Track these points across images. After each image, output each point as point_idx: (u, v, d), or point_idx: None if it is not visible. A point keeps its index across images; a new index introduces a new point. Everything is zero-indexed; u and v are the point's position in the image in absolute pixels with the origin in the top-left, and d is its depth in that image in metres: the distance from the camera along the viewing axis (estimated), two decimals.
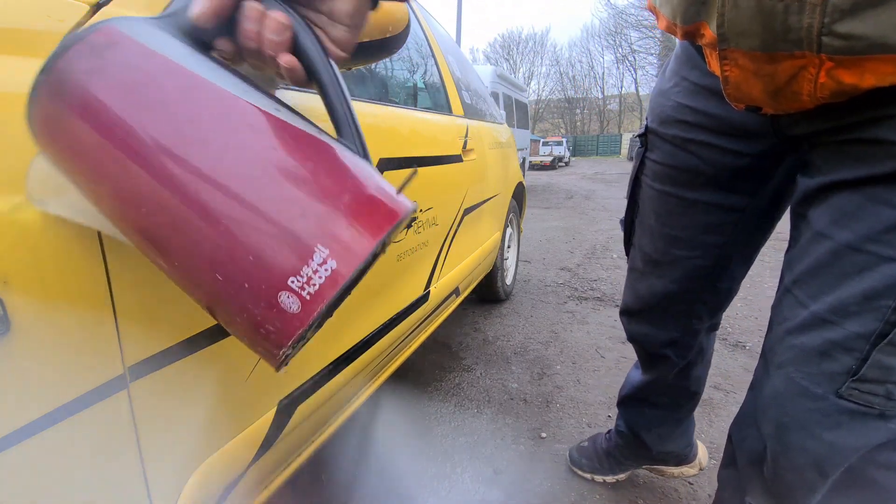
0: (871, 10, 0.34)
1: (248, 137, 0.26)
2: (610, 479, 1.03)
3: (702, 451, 1.00)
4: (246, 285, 0.25)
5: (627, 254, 0.82)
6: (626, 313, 0.85)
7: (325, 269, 0.25)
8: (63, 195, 0.26)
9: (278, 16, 0.29)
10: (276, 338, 0.26)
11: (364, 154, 0.31)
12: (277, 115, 0.27)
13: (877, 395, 0.41)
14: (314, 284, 0.25)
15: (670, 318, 0.78)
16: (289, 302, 0.25)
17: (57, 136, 0.26)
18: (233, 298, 0.26)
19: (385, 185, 0.29)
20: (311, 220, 0.25)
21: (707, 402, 1.32)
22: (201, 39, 0.28)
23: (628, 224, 0.79)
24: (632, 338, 0.86)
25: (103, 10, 0.42)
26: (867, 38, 0.35)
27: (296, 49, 0.29)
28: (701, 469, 1.00)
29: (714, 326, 0.83)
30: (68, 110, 0.25)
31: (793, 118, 0.49)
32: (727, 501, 0.62)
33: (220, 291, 0.26)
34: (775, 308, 0.51)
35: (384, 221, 0.27)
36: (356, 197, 0.27)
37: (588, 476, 1.05)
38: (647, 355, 0.86)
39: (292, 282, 0.25)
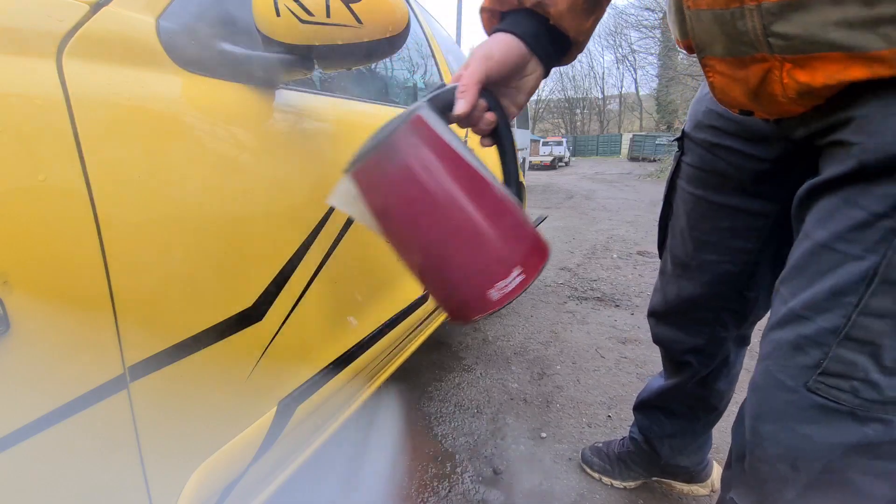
0: (796, 13, 0.37)
1: (486, 197, 0.42)
2: (618, 483, 1.02)
3: (716, 473, 0.98)
4: (471, 281, 0.41)
5: (661, 256, 0.82)
6: (654, 315, 0.85)
7: (516, 280, 0.41)
8: (352, 205, 0.43)
9: (490, 116, 0.47)
10: (476, 312, 0.42)
11: (521, 202, 0.45)
12: (494, 182, 0.43)
13: (843, 390, 0.43)
14: (508, 288, 0.40)
15: (696, 324, 0.78)
16: (492, 294, 0.40)
17: (379, 178, 0.41)
18: (460, 286, 0.42)
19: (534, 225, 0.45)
20: (516, 252, 0.42)
21: None
22: (446, 113, 0.45)
23: (662, 227, 0.80)
24: (657, 340, 0.87)
25: (103, 9, 0.42)
26: (800, 37, 0.38)
27: (495, 128, 0.48)
28: (713, 491, 0.96)
29: (743, 340, 0.81)
30: (395, 165, 0.40)
31: (792, 122, 0.50)
32: (726, 502, 0.62)
33: (454, 283, 0.42)
34: (771, 308, 0.53)
35: (543, 254, 0.44)
36: (534, 239, 0.43)
37: (596, 476, 1.04)
38: (671, 360, 0.86)
39: (497, 285, 0.40)
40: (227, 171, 0.52)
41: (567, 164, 20.01)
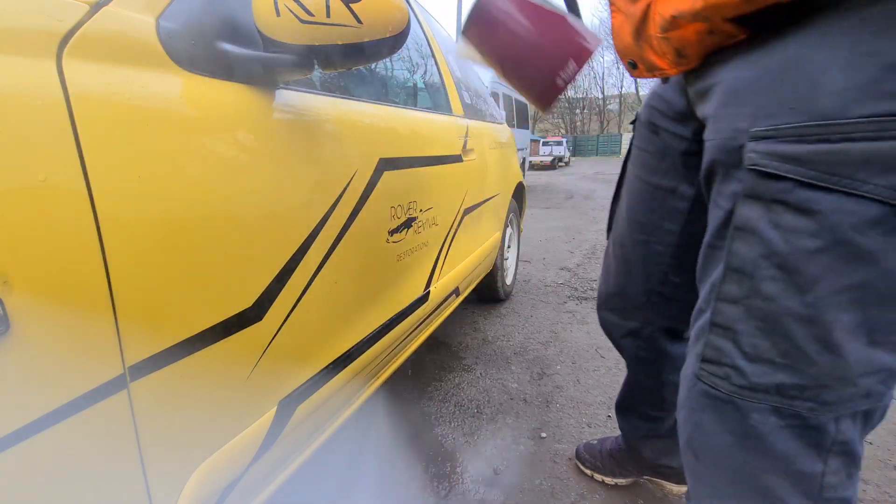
0: None
1: (541, 19, 0.59)
2: (609, 480, 1.01)
3: None
4: (543, 75, 0.60)
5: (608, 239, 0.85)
6: (598, 298, 0.86)
7: (573, 70, 0.59)
8: (472, 55, 0.62)
9: None
10: (552, 94, 0.62)
11: (579, 17, 0.63)
12: (547, 6, 0.59)
13: (719, 377, 0.45)
14: (567, 75, 0.59)
15: (630, 307, 0.79)
16: (558, 81, 0.60)
17: (478, 31, 0.60)
18: (538, 80, 0.61)
19: (589, 30, 0.61)
20: (566, 50, 0.59)
21: None
22: None
23: (612, 211, 0.82)
24: (601, 324, 0.88)
25: (103, 9, 0.42)
26: None
27: None
28: None
29: (677, 334, 0.80)
30: (484, 20, 0.59)
31: (693, 91, 0.54)
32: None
33: (534, 79, 0.62)
34: None
35: (587, 49, 0.59)
36: (578, 41, 0.59)
37: (588, 472, 1.04)
38: (616, 347, 0.87)
39: (559, 73, 0.59)
40: (227, 171, 0.52)
41: (567, 164, 19.99)
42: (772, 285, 0.41)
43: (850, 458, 0.43)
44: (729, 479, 0.47)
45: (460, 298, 1.47)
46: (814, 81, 0.37)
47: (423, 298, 1.08)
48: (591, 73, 42.92)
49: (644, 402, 0.89)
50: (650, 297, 0.75)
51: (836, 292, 0.38)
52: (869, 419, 0.43)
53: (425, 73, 1.41)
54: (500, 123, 2.14)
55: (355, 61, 0.58)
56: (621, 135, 31.89)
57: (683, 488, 0.95)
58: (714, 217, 0.47)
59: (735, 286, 0.43)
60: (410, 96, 1.30)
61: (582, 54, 0.59)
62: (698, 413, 0.48)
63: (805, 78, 0.37)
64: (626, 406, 0.93)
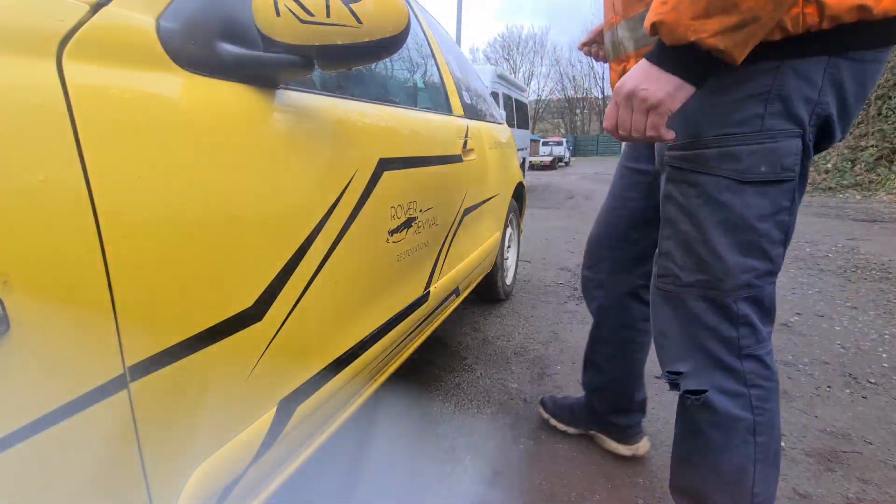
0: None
1: None
2: (561, 427, 1.20)
3: (644, 443, 1.11)
4: None
5: None
6: (583, 259, 1.07)
7: None
8: None
9: None
10: None
11: None
12: None
13: (667, 282, 0.71)
14: None
15: (600, 261, 1.02)
16: None
17: None
18: None
19: None
20: None
21: None
22: None
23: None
24: (581, 282, 1.08)
25: (103, 9, 0.42)
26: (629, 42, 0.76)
27: None
28: (633, 455, 1.10)
29: (637, 295, 0.99)
30: None
31: None
32: None
33: None
34: None
35: None
36: None
37: (546, 416, 1.23)
38: (587, 299, 1.07)
39: None
40: (226, 171, 0.52)
41: (567, 164, 20.00)
42: (684, 224, 0.67)
43: (753, 329, 0.66)
44: (686, 347, 0.70)
45: (460, 298, 1.47)
46: (690, 118, 0.63)
47: (423, 298, 1.08)
48: (592, 73, 42.93)
49: (599, 354, 1.08)
50: (615, 251, 0.98)
51: (713, 225, 0.64)
52: (760, 303, 0.66)
53: (425, 73, 1.41)
54: (500, 123, 2.14)
55: (355, 61, 0.58)
56: None
57: (620, 447, 1.10)
58: (660, 195, 0.72)
59: (668, 229, 0.70)
60: (410, 96, 1.30)
61: None
62: (662, 310, 0.73)
63: (688, 117, 0.63)
64: (587, 359, 1.12)
